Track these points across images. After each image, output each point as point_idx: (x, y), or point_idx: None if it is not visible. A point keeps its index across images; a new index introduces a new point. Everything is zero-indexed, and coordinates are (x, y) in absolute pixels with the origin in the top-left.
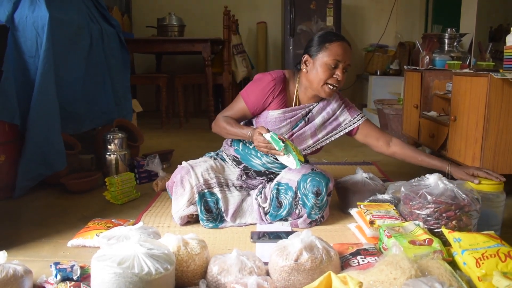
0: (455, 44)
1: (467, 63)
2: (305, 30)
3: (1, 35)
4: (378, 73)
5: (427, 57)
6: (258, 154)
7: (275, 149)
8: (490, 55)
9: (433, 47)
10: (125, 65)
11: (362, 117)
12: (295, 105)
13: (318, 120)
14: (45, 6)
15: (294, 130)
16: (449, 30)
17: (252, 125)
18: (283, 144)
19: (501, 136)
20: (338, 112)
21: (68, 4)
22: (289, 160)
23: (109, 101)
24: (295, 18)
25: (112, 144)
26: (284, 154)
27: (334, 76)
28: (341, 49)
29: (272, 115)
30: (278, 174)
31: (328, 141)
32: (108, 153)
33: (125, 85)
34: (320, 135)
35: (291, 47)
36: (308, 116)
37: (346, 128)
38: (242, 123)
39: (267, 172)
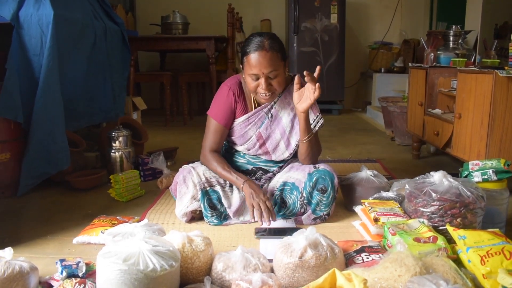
0: (460, 41)
1: (472, 61)
2: (309, 28)
3: (6, 33)
4: (383, 70)
5: (432, 54)
6: (241, 153)
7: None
8: (495, 52)
9: (438, 44)
10: (125, 64)
11: (319, 121)
12: (255, 106)
13: (284, 118)
14: (50, 4)
15: (260, 130)
16: (454, 27)
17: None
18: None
19: (506, 134)
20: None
21: (72, 2)
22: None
23: (108, 99)
24: (299, 16)
25: (116, 142)
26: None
27: (259, 87)
28: (255, 61)
29: (237, 123)
30: (267, 170)
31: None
32: (112, 151)
33: (122, 83)
34: (292, 140)
35: (295, 45)
36: (271, 113)
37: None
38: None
39: (255, 169)
